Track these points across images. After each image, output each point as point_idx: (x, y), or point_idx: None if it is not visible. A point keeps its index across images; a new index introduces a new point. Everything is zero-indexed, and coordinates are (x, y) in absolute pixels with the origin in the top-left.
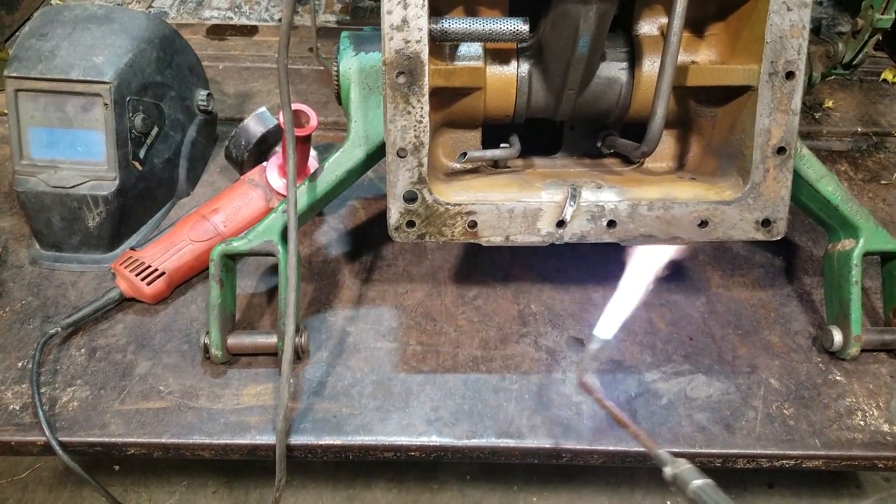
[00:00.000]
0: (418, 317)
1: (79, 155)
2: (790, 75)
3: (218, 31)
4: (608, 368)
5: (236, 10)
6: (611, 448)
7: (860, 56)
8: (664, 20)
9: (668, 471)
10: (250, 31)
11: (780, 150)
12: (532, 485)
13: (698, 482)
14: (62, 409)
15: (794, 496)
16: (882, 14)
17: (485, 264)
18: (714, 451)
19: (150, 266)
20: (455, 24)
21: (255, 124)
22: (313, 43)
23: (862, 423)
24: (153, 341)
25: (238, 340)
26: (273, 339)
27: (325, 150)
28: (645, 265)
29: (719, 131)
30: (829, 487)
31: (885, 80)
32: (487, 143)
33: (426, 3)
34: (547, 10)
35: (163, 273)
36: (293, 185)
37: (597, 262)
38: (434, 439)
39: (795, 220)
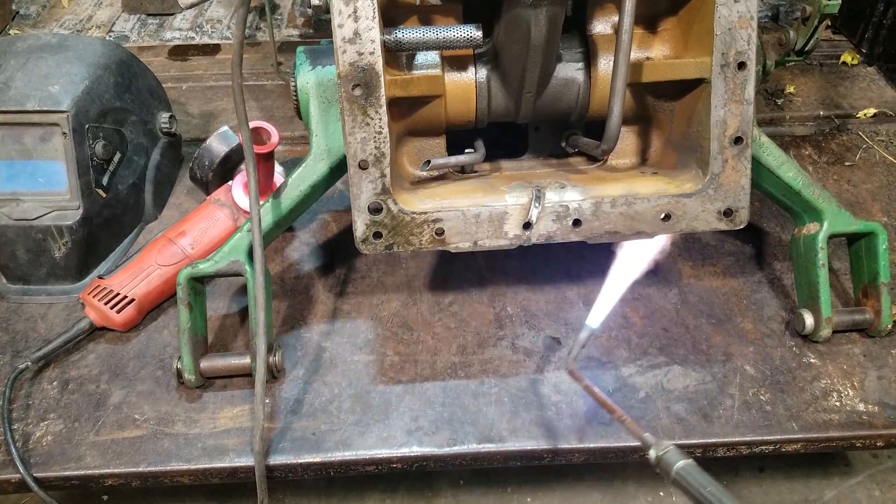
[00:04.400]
0: (395, 327)
1: (40, 186)
2: (742, 66)
3: (180, 52)
4: (585, 365)
5: (198, 29)
6: (591, 445)
7: (812, 42)
8: (617, 19)
9: (652, 453)
10: (213, 49)
11: (737, 140)
12: (525, 485)
13: (681, 463)
14: (36, 444)
15: (785, 479)
16: (828, 0)
17: (459, 269)
18: (693, 441)
19: (118, 294)
20: (409, 33)
21: (218, 144)
22: (274, 59)
23: (838, 403)
24: (126, 369)
25: (211, 363)
26: (246, 360)
27: (294, 165)
28: (634, 258)
29: (677, 125)
30: (819, 467)
31: (844, 63)
32: (455, 148)
33: (377, 15)
34: (499, 16)
35: (132, 300)
36: (256, 203)
37: (570, 261)
38: (415, 450)
39: (763, 207)
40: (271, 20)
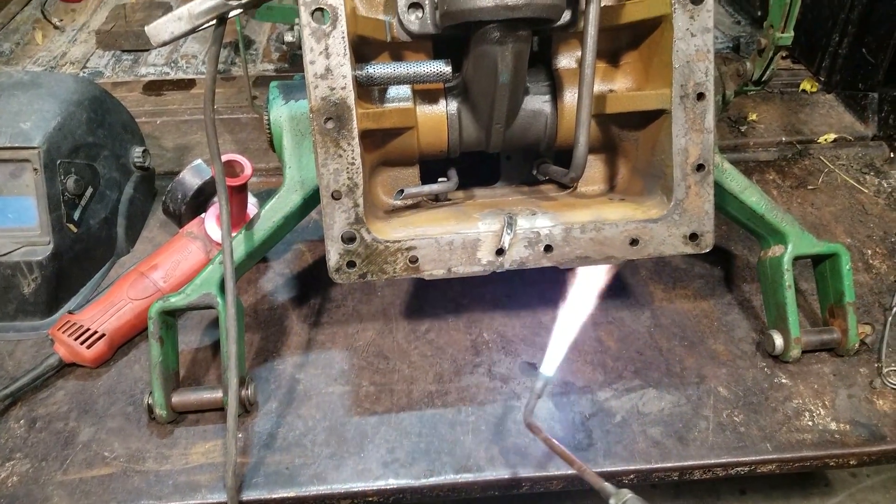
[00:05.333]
0: (370, 356)
1: (10, 222)
2: (701, 96)
3: (155, 87)
4: (562, 391)
5: (172, 65)
6: (569, 472)
7: (768, 72)
8: (580, 53)
9: (612, 502)
10: (187, 84)
11: (699, 168)
12: None
13: None
14: (0, 485)
15: (765, 501)
16: (782, 32)
17: (435, 296)
18: (669, 465)
19: (88, 329)
20: (380, 69)
21: (191, 177)
22: (248, 93)
23: (810, 423)
24: (96, 406)
25: (183, 398)
26: (218, 394)
27: (268, 197)
28: (582, 297)
29: (642, 153)
30: (799, 488)
31: (804, 91)
32: (429, 177)
33: (348, 51)
34: (468, 52)
35: (103, 335)
36: (227, 235)
37: (545, 285)
38: (391, 482)
39: (730, 231)
40: (245, 55)
